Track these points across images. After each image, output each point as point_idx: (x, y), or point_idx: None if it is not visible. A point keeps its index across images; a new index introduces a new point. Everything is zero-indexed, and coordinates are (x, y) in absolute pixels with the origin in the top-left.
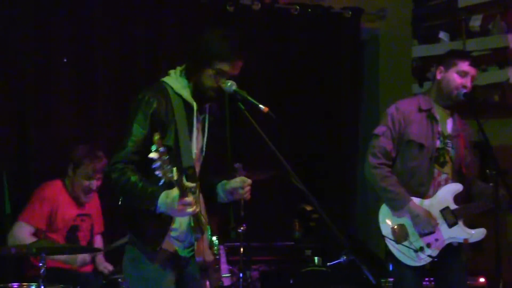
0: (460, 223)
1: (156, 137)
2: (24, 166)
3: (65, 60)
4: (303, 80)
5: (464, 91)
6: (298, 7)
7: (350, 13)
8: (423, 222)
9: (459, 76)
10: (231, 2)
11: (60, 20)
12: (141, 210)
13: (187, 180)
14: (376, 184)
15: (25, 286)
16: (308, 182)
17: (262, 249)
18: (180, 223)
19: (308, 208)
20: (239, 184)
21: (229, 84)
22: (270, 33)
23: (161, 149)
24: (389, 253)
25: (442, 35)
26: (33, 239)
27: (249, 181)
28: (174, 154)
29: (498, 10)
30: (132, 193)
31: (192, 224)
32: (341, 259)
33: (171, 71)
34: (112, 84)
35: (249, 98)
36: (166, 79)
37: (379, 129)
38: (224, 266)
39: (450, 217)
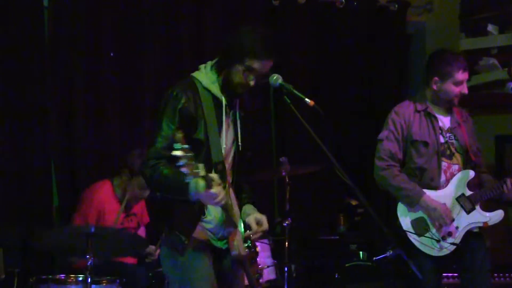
0: (478, 207)
1: (179, 135)
2: (72, 160)
3: (112, 54)
4: (348, 74)
5: None
6: (343, 0)
7: (396, 6)
8: (441, 215)
9: (456, 86)
10: None
11: (108, 15)
12: (173, 202)
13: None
14: (388, 185)
15: (72, 278)
16: (354, 176)
17: (307, 243)
18: (214, 216)
19: (354, 202)
20: (253, 225)
21: (275, 77)
22: (315, 27)
23: (185, 146)
24: (408, 247)
25: (490, 28)
26: None
27: (264, 227)
28: (205, 149)
29: None
30: (167, 186)
31: (224, 217)
32: (387, 254)
33: (201, 66)
34: (158, 79)
35: (295, 91)
36: (195, 74)
37: (382, 134)
38: (269, 260)
39: (467, 203)
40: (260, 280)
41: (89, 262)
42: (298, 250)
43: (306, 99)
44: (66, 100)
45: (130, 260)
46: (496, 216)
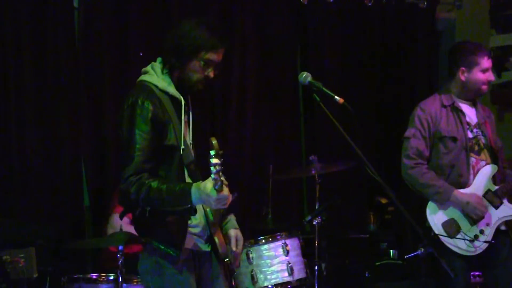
0: (505, 201)
1: (214, 141)
2: (102, 161)
3: (141, 54)
4: (378, 72)
5: None
6: None
7: (425, 3)
8: (475, 207)
9: (483, 73)
10: None
11: (137, 15)
12: (158, 214)
13: (191, 176)
14: (417, 183)
15: (103, 277)
16: (385, 174)
17: (337, 241)
18: (200, 219)
19: (384, 201)
20: (233, 243)
21: (304, 75)
22: (344, 25)
23: (220, 152)
24: (439, 245)
25: None
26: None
27: (239, 249)
28: (178, 152)
29: None
30: (161, 198)
31: (212, 218)
32: (418, 252)
33: (148, 69)
34: None
35: (325, 89)
36: (147, 78)
37: (408, 132)
38: (299, 259)
39: (494, 199)
40: (291, 278)
41: (120, 262)
42: (328, 249)
43: (336, 97)
44: (97, 100)
45: None
46: None
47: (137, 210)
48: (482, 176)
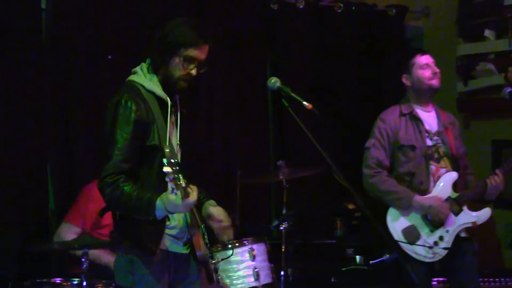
0: (465, 208)
1: (167, 149)
2: (69, 163)
3: (109, 57)
4: (347, 77)
5: (509, 89)
6: (342, 4)
7: (394, 11)
8: (438, 210)
9: (423, 70)
10: (275, 0)
11: (106, 18)
12: (131, 219)
13: None
14: (378, 191)
15: (67, 281)
16: (353, 180)
17: (304, 247)
18: (178, 220)
19: (351, 206)
20: (215, 217)
21: (273, 80)
22: (314, 31)
23: (173, 160)
24: (403, 251)
25: (487, 33)
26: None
27: (225, 221)
28: (160, 153)
29: None
30: (128, 205)
31: (189, 220)
32: (384, 258)
33: (137, 69)
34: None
35: (293, 94)
36: (134, 78)
37: (368, 142)
38: (265, 264)
39: (454, 206)
40: (257, 284)
41: (84, 266)
42: (294, 254)
43: (304, 102)
44: (63, 102)
45: None
46: (483, 214)
47: (116, 212)
48: (442, 183)
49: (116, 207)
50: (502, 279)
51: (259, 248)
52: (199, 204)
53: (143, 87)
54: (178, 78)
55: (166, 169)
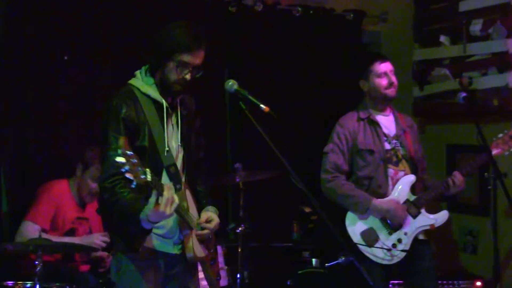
0: (423, 211)
1: (121, 140)
2: (22, 164)
3: (66, 58)
4: (305, 81)
5: (463, 94)
6: (300, 8)
7: (352, 15)
8: (396, 213)
9: (380, 78)
10: (233, 3)
11: (62, 18)
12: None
13: (171, 178)
14: (336, 195)
15: (20, 284)
16: (309, 183)
17: (260, 250)
18: (168, 220)
19: (307, 209)
20: (202, 219)
21: (230, 83)
22: (272, 34)
23: (128, 152)
24: (360, 254)
25: (443, 38)
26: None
27: (212, 224)
28: (150, 155)
29: (498, 15)
30: (120, 213)
31: (178, 220)
32: (339, 260)
33: (137, 72)
34: (112, 81)
35: (250, 97)
36: (132, 81)
37: (327, 147)
38: (221, 267)
39: (412, 208)
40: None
41: (37, 269)
42: (251, 257)
43: (261, 105)
44: (17, 103)
45: (82, 267)
46: (441, 217)
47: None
48: (401, 186)
49: (113, 213)
50: (456, 282)
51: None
52: (201, 208)
53: (139, 90)
54: (173, 82)
55: (119, 159)
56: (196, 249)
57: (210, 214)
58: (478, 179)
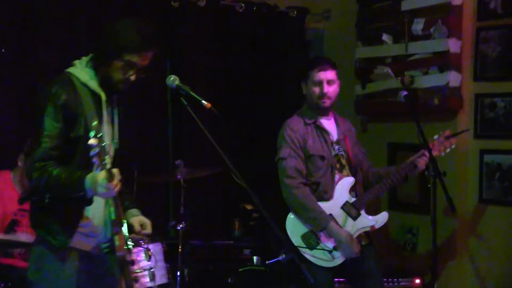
0: (363, 212)
1: (95, 122)
2: None
3: (3, 50)
4: (248, 77)
5: (405, 93)
6: (243, 4)
7: (295, 12)
8: (347, 247)
9: (315, 87)
10: None
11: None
12: (50, 206)
13: None
14: (298, 204)
15: None
16: (251, 180)
17: (201, 247)
18: (93, 217)
19: (249, 207)
20: (137, 226)
21: (172, 78)
22: (215, 30)
23: (99, 135)
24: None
25: (385, 37)
26: None
27: (147, 231)
28: (84, 146)
29: (440, 15)
30: (58, 185)
31: (113, 217)
32: (280, 258)
33: (77, 62)
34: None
35: (192, 93)
36: (71, 69)
37: (284, 153)
38: (161, 264)
39: (352, 210)
40: (152, 284)
41: None
42: (191, 254)
43: (203, 101)
44: None
45: (20, 263)
46: (381, 218)
47: (35, 198)
48: (340, 189)
49: (45, 189)
50: (395, 280)
51: (155, 248)
52: (124, 209)
53: (78, 79)
54: (117, 81)
55: (91, 141)
56: (125, 249)
57: (141, 218)
58: (418, 178)
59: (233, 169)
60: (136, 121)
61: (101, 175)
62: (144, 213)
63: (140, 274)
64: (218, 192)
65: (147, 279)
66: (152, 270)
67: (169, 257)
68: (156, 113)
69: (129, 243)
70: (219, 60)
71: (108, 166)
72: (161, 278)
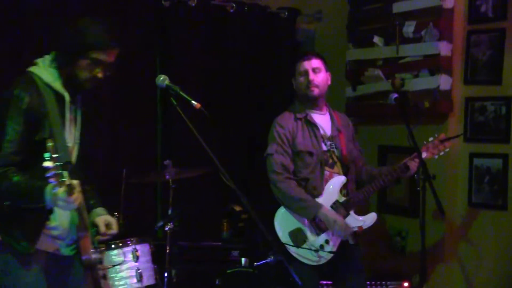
0: (352, 213)
1: (50, 143)
2: None
3: None
4: (238, 77)
5: (395, 95)
6: (234, 4)
7: (286, 13)
8: (340, 228)
9: (302, 77)
10: None
11: None
12: (15, 211)
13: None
14: (286, 197)
15: None
16: (240, 181)
17: (189, 248)
18: (61, 221)
19: (237, 208)
20: (102, 227)
21: (161, 78)
22: (206, 30)
23: (55, 155)
24: (289, 254)
25: (376, 39)
26: None
27: (113, 230)
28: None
29: (431, 18)
30: (18, 193)
31: (77, 221)
32: (269, 259)
33: (39, 61)
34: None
35: (182, 93)
36: (33, 69)
37: (271, 149)
38: (149, 265)
39: (341, 210)
40: (139, 285)
41: None
42: (179, 255)
43: (193, 102)
44: None
45: None
46: (369, 219)
47: (4, 203)
48: (331, 187)
49: (5, 196)
50: (384, 283)
51: (143, 249)
52: (88, 208)
53: (41, 79)
54: (83, 80)
55: (47, 164)
56: (91, 251)
57: (106, 217)
58: (408, 181)
59: (222, 169)
60: (125, 121)
61: (60, 189)
62: (132, 213)
63: (127, 274)
64: (206, 193)
65: (135, 280)
66: (139, 270)
67: (157, 258)
68: (145, 113)
69: (95, 245)
70: (209, 60)
71: (67, 181)
72: (148, 279)
